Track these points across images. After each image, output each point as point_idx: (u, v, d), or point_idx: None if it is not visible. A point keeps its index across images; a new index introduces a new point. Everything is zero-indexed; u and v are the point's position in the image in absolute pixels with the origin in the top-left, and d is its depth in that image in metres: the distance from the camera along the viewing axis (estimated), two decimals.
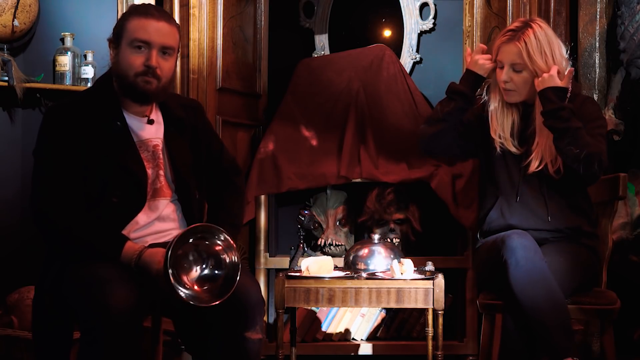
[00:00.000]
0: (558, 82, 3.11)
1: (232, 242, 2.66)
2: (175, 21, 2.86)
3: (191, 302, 2.57)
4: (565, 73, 3.14)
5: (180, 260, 2.61)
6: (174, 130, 2.88)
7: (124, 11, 2.90)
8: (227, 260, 2.66)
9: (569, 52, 3.24)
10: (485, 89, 3.34)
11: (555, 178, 3.18)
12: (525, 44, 3.14)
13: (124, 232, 2.74)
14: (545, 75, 3.12)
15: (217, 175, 3.00)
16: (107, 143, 2.74)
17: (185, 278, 2.62)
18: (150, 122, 2.85)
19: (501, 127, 3.24)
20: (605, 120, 3.33)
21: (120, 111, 2.79)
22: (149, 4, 2.88)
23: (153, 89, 2.76)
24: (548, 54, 3.15)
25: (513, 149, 3.23)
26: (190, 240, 2.63)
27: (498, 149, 3.25)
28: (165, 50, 2.76)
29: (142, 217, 2.78)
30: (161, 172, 2.83)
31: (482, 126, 3.32)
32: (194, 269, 2.65)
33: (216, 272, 2.66)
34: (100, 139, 2.74)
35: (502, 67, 3.20)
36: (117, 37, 2.76)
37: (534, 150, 3.19)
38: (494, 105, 3.27)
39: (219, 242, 2.66)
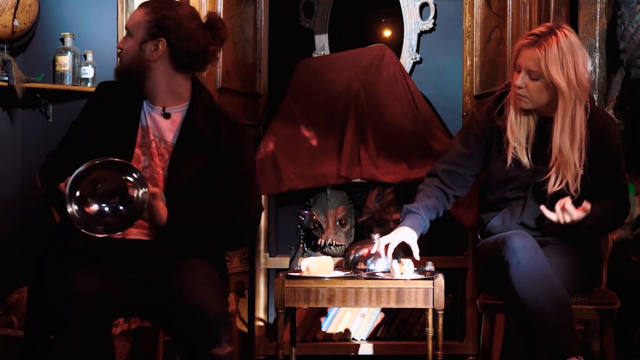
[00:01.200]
0: (579, 217, 3.00)
1: (148, 188, 2.62)
2: (154, 5, 2.83)
3: (75, 222, 2.55)
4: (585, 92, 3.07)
5: (91, 183, 2.58)
6: (190, 134, 2.85)
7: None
8: (134, 201, 2.61)
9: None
10: (494, 100, 3.25)
11: (574, 196, 3.09)
12: (545, 52, 3.01)
13: None
14: (567, 218, 3.00)
15: (224, 201, 2.86)
16: (115, 126, 2.80)
17: (88, 200, 2.59)
18: (166, 115, 2.85)
19: (519, 133, 3.13)
20: (623, 146, 3.25)
21: (139, 99, 2.85)
22: None
23: (116, 68, 2.90)
24: (570, 66, 3.02)
25: (525, 160, 3.14)
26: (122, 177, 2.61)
27: (510, 159, 3.15)
28: (127, 32, 2.87)
29: None
30: (156, 176, 2.82)
31: (491, 139, 3.23)
32: (99, 196, 2.61)
33: (120, 208, 2.62)
34: (113, 121, 2.81)
35: (519, 71, 3.08)
36: None
37: (552, 167, 3.11)
38: (511, 113, 3.15)
39: (130, 180, 2.62)
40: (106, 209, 2.62)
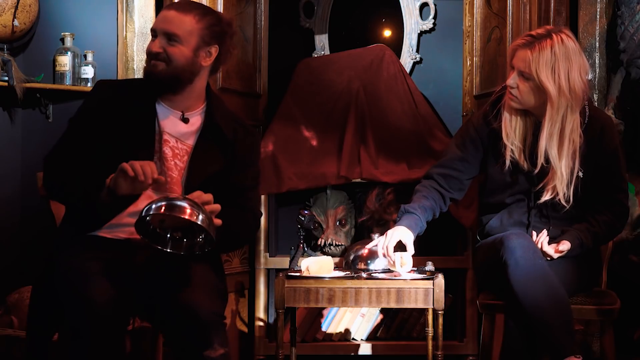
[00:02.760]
0: (559, 255, 3.03)
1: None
2: (197, 10, 2.84)
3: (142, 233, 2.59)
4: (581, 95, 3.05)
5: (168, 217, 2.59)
6: (210, 138, 2.87)
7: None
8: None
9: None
10: (491, 103, 3.23)
11: (566, 207, 3.10)
12: (539, 54, 2.98)
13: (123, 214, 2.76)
14: (547, 257, 3.02)
15: (229, 201, 2.86)
16: (128, 127, 2.78)
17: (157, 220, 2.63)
18: (185, 120, 2.85)
19: (513, 135, 3.11)
20: (622, 147, 3.23)
21: (153, 101, 2.83)
22: None
23: (159, 71, 2.79)
24: (562, 72, 2.98)
25: (522, 161, 3.12)
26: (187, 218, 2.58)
27: (508, 160, 3.13)
28: (169, 37, 2.79)
29: (142, 202, 2.75)
30: (171, 174, 2.82)
31: (488, 142, 3.21)
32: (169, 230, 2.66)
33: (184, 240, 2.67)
34: (125, 122, 2.78)
35: (513, 69, 3.07)
36: None
37: (548, 178, 3.09)
38: (505, 115, 3.13)
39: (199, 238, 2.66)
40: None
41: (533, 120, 3.14)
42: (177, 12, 2.81)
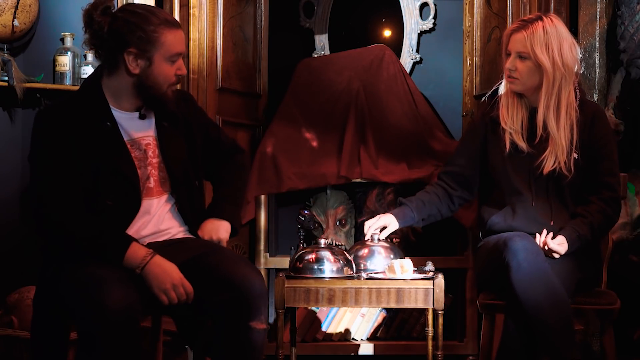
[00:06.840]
0: (565, 250, 3.05)
1: None
2: None
3: None
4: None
5: None
6: (167, 125, 2.86)
7: (142, 19, 2.74)
8: None
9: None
10: (490, 95, 3.32)
11: (568, 176, 3.15)
12: (532, 33, 3.14)
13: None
14: (555, 255, 3.04)
15: (218, 158, 3.05)
16: (98, 145, 2.72)
17: None
18: (142, 116, 2.83)
19: (511, 120, 3.21)
20: (614, 135, 3.30)
21: (110, 111, 2.77)
22: (161, 10, 2.86)
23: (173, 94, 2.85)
24: (555, 47, 3.14)
25: (521, 143, 3.19)
26: None
27: (508, 143, 3.20)
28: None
29: (137, 218, 2.77)
30: (153, 172, 2.81)
31: (486, 131, 3.28)
32: None
33: None
34: (91, 140, 2.72)
35: (509, 55, 3.19)
36: (147, 49, 2.72)
37: (548, 149, 3.16)
38: (503, 100, 3.25)
39: None
40: None
41: (528, 105, 3.23)
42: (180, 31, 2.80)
